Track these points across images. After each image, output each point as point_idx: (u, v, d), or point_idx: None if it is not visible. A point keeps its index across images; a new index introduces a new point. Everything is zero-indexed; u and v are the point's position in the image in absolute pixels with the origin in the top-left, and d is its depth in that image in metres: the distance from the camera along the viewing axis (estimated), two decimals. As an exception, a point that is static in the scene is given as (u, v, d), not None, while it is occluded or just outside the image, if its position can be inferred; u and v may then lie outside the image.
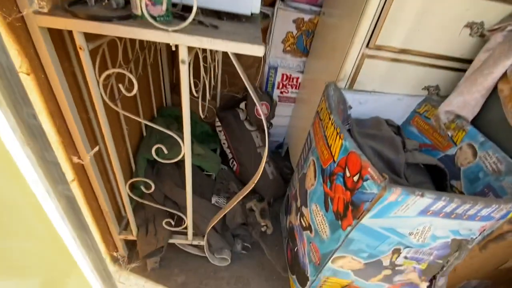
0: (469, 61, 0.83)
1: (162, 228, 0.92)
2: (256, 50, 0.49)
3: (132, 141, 1.04)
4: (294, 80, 1.36)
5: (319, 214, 0.78)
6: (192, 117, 1.44)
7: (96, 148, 0.63)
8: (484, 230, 0.64)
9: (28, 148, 0.37)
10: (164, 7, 0.48)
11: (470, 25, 0.77)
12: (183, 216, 0.89)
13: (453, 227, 0.62)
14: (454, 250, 0.68)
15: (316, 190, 0.81)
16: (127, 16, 0.50)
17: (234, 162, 1.31)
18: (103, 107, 0.58)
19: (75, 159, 0.53)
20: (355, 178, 0.62)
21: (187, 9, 0.56)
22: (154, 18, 0.49)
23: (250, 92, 0.59)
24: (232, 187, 1.19)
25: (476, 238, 0.66)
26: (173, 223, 0.91)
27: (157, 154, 1.06)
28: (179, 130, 1.27)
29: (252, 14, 0.60)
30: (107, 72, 0.54)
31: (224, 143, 1.33)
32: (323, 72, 1.08)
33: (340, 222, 0.68)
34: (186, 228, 0.92)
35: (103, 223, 0.85)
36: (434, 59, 0.85)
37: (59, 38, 0.55)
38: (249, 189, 0.77)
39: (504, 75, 0.70)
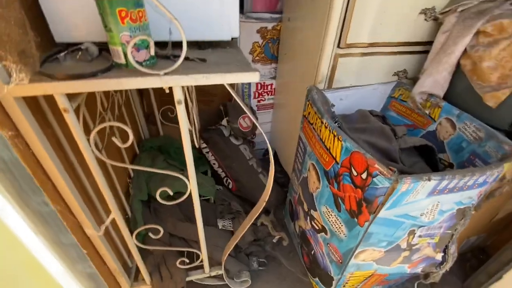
0: (428, 43, 0.90)
1: (176, 268, 0.88)
2: (251, 77, 0.49)
3: (122, 185, 0.98)
4: (269, 87, 1.37)
5: (331, 215, 0.80)
6: (175, 144, 1.40)
7: (111, 218, 0.58)
8: (481, 194, 0.70)
9: (41, 237, 0.33)
10: (151, 51, 0.46)
11: (424, 12, 0.84)
12: (197, 251, 0.86)
13: (456, 199, 0.67)
14: (459, 219, 0.73)
15: (323, 192, 0.82)
16: (110, 67, 0.47)
17: (229, 180, 1.29)
18: (98, 167, 0.54)
19: (89, 232, 0.48)
20: (363, 176, 0.64)
21: (164, 45, 0.54)
22: (140, 64, 0.46)
23: (246, 110, 0.58)
24: (234, 206, 1.17)
25: (476, 203, 0.72)
26: (187, 260, 0.87)
27: (154, 195, 1.01)
28: (166, 161, 1.23)
29: (232, 38, 0.60)
30: (97, 128, 0.50)
31: (214, 163, 1.31)
32: (297, 74, 1.11)
33: (356, 219, 0.70)
34: (201, 261, 0.89)
35: (112, 280, 0.79)
36: (399, 47, 0.91)
37: (33, 104, 0.50)
38: (261, 209, 0.76)
39: (465, 51, 0.77)
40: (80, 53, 0.51)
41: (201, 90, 1.34)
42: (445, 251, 0.81)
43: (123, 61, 0.47)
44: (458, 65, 0.82)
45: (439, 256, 0.82)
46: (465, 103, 0.83)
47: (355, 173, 0.66)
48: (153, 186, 1.06)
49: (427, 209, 0.66)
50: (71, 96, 0.48)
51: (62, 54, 0.50)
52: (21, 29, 0.35)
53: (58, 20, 0.50)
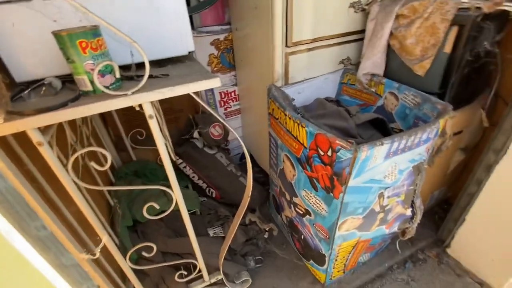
0: (362, 31, 1.03)
1: (176, 283, 0.89)
2: (213, 83, 0.55)
3: (103, 213, 0.97)
4: (232, 94, 1.44)
5: (311, 196, 0.87)
6: (150, 166, 1.40)
7: (103, 243, 0.58)
8: (428, 150, 0.82)
9: (44, 260, 0.35)
10: (117, 74, 0.49)
11: (352, 5, 0.97)
12: (193, 261, 0.87)
13: (409, 157, 0.77)
14: (417, 174, 0.84)
15: (299, 178, 0.89)
16: (78, 96, 0.50)
17: (211, 189, 1.32)
18: (79, 193, 0.55)
19: (80, 257, 0.49)
20: (329, 153, 0.72)
21: (127, 68, 0.58)
22: (107, 88, 0.50)
23: (219, 118, 0.63)
24: (221, 212, 1.20)
25: (426, 158, 0.83)
26: (185, 273, 0.88)
27: (139, 218, 1.01)
28: (145, 183, 1.23)
29: (189, 52, 0.65)
30: (76, 155, 0.52)
31: (193, 176, 1.33)
32: (255, 77, 1.19)
33: (332, 193, 0.78)
34: (199, 271, 0.90)
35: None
36: (338, 38, 1.03)
37: (3, 144, 0.50)
38: (246, 205, 0.81)
39: (391, 33, 0.90)
40: (44, 88, 0.53)
41: (166, 109, 1.37)
42: (412, 206, 0.92)
43: (90, 88, 0.49)
44: (389, 45, 0.94)
45: (408, 212, 0.92)
46: (401, 76, 0.96)
47: (322, 153, 0.74)
48: (136, 210, 1.05)
49: (388, 171, 0.76)
50: (43, 130, 0.49)
51: (25, 92, 0.51)
52: (-11, 73, 0.37)
53: (16, 61, 0.51)
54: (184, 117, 1.43)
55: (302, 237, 1.03)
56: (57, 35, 0.45)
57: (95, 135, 1.12)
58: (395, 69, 0.97)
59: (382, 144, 0.67)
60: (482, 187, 0.96)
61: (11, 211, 0.30)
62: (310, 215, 0.91)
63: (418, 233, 1.15)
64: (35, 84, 0.53)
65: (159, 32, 0.57)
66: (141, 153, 1.37)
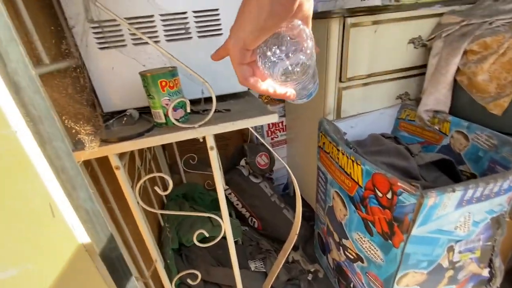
0: (422, 66, 0.98)
1: (215, 316, 0.86)
2: (271, 118, 0.56)
3: (155, 235, 1.01)
4: (280, 124, 1.46)
5: (364, 241, 0.80)
6: (197, 189, 1.45)
7: (154, 265, 0.62)
8: (511, 200, 0.70)
9: (113, 282, 0.37)
10: (188, 109, 0.54)
11: (412, 41, 0.94)
12: (234, 295, 0.85)
13: (487, 207, 0.67)
14: (496, 228, 0.72)
15: (351, 219, 0.83)
16: (152, 126, 0.56)
17: (254, 219, 1.30)
18: (142, 216, 0.59)
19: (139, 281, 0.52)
20: (389, 196, 0.66)
21: (194, 102, 0.64)
22: (177, 120, 0.55)
23: (269, 148, 0.64)
24: (262, 245, 1.16)
25: (508, 209, 0.71)
26: (225, 306, 0.85)
27: (184, 242, 1.04)
28: (192, 207, 1.27)
29: (248, 88, 0.69)
30: (144, 179, 0.57)
31: (237, 204, 1.33)
32: (305, 110, 1.20)
33: (390, 241, 0.70)
34: (239, 307, 0.87)
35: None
36: (396, 73, 1.00)
37: (85, 165, 0.58)
38: (293, 242, 0.77)
39: (458, 69, 0.84)
40: (125, 118, 0.60)
41: (216, 137, 1.44)
42: (490, 265, 0.78)
43: (163, 120, 0.55)
44: (455, 81, 0.88)
45: (485, 272, 0.78)
46: (472, 115, 0.87)
47: (380, 194, 0.69)
48: (182, 233, 1.08)
49: (460, 222, 0.66)
50: (120, 156, 0.56)
51: (111, 121, 0.59)
52: (91, 107, 0.44)
53: (107, 96, 0.60)
54: (231, 145, 1.49)
55: (352, 285, 0.94)
56: (143, 75, 0.52)
57: (155, 158, 1.22)
58: (464, 106, 0.89)
59: (453, 190, 0.59)
60: None
61: (93, 231, 0.34)
62: (362, 261, 0.83)
63: (497, 300, 0.96)
64: (119, 115, 0.60)
65: (224, 71, 0.62)
66: (191, 176, 1.44)
